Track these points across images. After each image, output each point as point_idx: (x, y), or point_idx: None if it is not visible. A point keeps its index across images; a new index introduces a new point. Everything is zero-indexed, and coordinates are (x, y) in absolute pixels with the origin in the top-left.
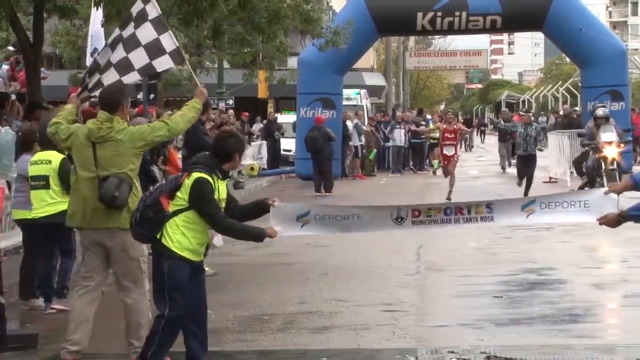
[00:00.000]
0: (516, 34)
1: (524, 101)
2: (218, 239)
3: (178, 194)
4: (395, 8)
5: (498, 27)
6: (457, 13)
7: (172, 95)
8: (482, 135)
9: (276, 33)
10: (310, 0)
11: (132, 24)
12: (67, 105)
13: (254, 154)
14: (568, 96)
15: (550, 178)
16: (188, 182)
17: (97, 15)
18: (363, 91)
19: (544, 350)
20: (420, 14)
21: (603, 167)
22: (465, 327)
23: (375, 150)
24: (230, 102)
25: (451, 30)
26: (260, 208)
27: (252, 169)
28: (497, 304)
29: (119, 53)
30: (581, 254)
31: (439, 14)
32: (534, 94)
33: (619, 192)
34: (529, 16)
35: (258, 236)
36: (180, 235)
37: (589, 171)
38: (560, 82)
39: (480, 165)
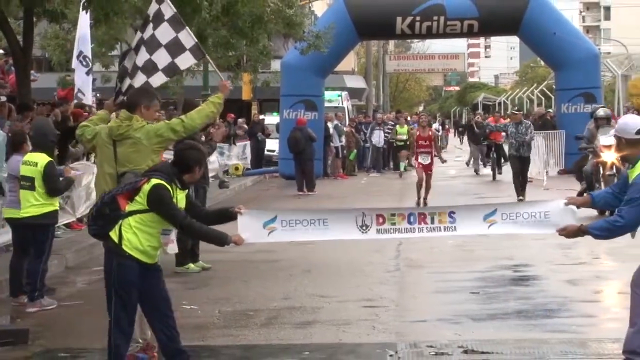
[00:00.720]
0: (492, 38)
1: (500, 103)
2: (172, 247)
3: (137, 197)
4: (376, 13)
5: (475, 32)
6: (435, 18)
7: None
8: (461, 137)
9: (259, 37)
10: (292, 4)
11: (151, 25)
12: (100, 110)
13: (239, 154)
14: (543, 98)
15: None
16: (146, 187)
17: (84, 19)
18: (344, 93)
19: (520, 344)
20: (399, 19)
21: (601, 172)
22: (443, 322)
23: (355, 150)
24: None
25: (430, 34)
26: (225, 215)
27: (236, 168)
28: (475, 299)
29: (143, 56)
30: (556, 251)
31: (418, 18)
32: (509, 96)
33: (578, 206)
34: (505, 21)
35: (220, 240)
36: (132, 234)
37: (588, 176)
38: (535, 85)
39: (457, 165)
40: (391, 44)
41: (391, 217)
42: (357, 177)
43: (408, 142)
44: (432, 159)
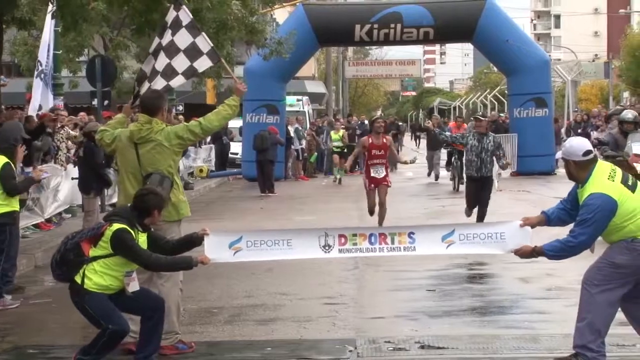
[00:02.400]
0: (447, 45)
1: (455, 107)
2: (134, 285)
3: (101, 242)
4: (335, 21)
5: (431, 39)
6: (392, 25)
7: (125, 102)
8: (417, 140)
9: (223, 43)
10: (255, 12)
11: (170, 31)
12: (118, 114)
13: (205, 157)
14: (496, 103)
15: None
16: (108, 232)
17: (48, 26)
18: (305, 98)
19: (474, 339)
20: (358, 26)
21: None
22: (400, 319)
23: (316, 153)
24: (180, 108)
25: (387, 41)
26: (191, 242)
27: (201, 170)
28: (431, 297)
29: (162, 60)
30: None
31: (376, 26)
32: (464, 101)
33: (532, 226)
34: (459, 28)
35: (187, 264)
36: (99, 277)
37: None
38: (488, 90)
39: (414, 167)
40: (350, 50)
41: (353, 237)
42: (318, 179)
43: (345, 150)
44: (387, 170)
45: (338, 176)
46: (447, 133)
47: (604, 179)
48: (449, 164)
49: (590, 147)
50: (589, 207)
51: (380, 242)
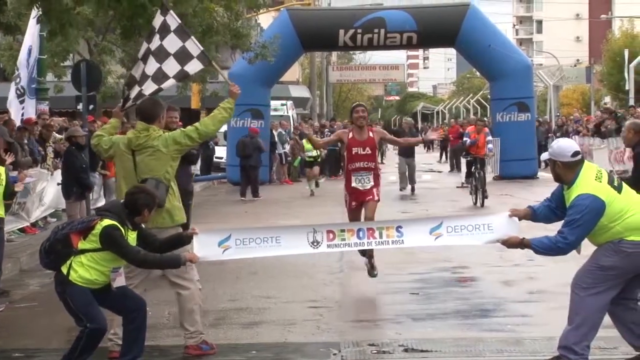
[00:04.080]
0: (430, 50)
1: (438, 112)
2: (120, 280)
3: (90, 236)
4: (319, 26)
5: (414, 44)
6: (376, 30)
7: (110, 106)
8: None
9: (209, 47)
10: (240, 17)
11: (157, 36)
12: (111, 119)
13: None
14: (478, 107)
15: (462, 183)
16: (98, 227)
17: (35, 28)
18: (289, 102)
19: (458, 342)
20: (342, 31)
21: None
22: (384, 322)
23: (299, 157)
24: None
25: (371, 46)
26: (180, 240)
27: None
28: (415, 300)
29: (152, 65)
30: (491, 254)
31: (359, 31)
32: (447, 106)
33: (520, 218)
34: (442, 33)
35: (175, 263)
36: (84, 271)
37: None
38: (471, 95)
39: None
40: (334, 55)
41: (341, 233)
42: (302, 182)
43: (319, 159)
44: (376, 179)
45: (310, 188)
46: (466, 139)
47: (592, 180)
48: (469, 175)
49: (578, 147)
50: (577, 207)
51: (369, 237)
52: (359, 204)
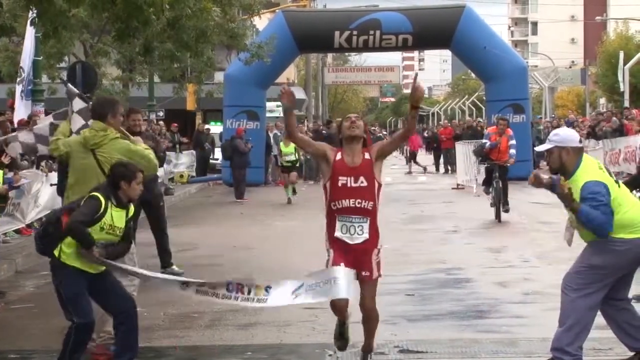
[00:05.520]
0: (426, 52)
1: (433, 113)
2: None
3: None
4: (314, 27)
5: (409, 45)
6: (371, 32)
7: None
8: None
9: (203, 50)
10: (235, 19)
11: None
12: (63, 122)
13: (188, 163)
14: (474, 109)
15: (458, 185)
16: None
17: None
18: None
19: (453, 344)
20: (337, 33)
21: None
22: (380, 323)
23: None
24: (161, 114)
25: (366, 47)
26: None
27: (181, 176)
28: (410, 301)
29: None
30: (486, 255)
31: (355, 32)
32: (442, 107)
33: (541, 185)
34: (437, 35)
35: (86, 243)
36: (74, 248)
37: None
38: (466, 96)
39: (392, 172)
40: (329, 56)
41: (212, 288)
42: (298, 184)
43: (298, 164)
44: (373, 230)
45: (288, 196)
46: (485, 141)
47: (596, 169)
48: (487, 183)
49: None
50: (597, 195)
51: (237, 292)
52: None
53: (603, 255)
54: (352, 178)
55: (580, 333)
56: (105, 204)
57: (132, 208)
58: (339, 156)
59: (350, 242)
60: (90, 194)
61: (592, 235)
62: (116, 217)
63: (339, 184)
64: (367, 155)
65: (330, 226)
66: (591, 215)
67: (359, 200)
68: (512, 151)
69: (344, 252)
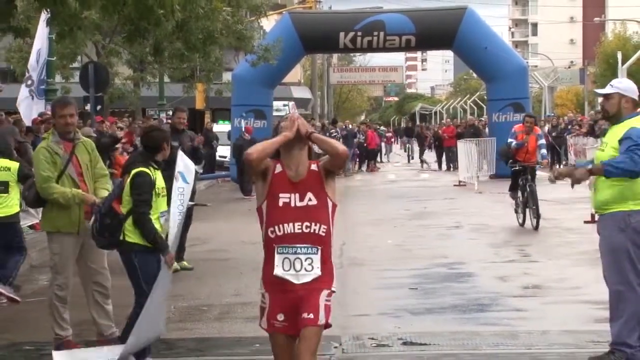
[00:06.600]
0: (428, 52)
1: (436, 112)
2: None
3: (124, 196)
4: (320, 28)
5: (412, 46)
6: (375, 33)
7: (117, 107)
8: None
9: (210, 52)
10: (242, 20)
11: None
12: None
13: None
14: (475, 108)
15: (460, 182)
16: (128, 181)
17: (41, 33)
18: (291, 103)
19: (455, 336)
20: (342, 34)
21: None
22: (384, 316)
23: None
24: (171, 112)
25: (370, 48)
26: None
27: None
28: (413, 295)
29: None
30: (487, 250)
31: (359, 34)
32: (444, 106)
33: (561, 176)
34: (440, 36)
35: (163, 247)
36: (136, 228)
37: None
38: (468, 95)
39: (397, 170)
40: (335, 57)
41: None
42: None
43: None
44: (327, 264)
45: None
46: (511, 140)
47: None
48: (513, 187)
49: None
50: (632, 135)
51: None
52: (289, 325)
53: (621, 234)
54: (297, 195)
55: (636, 325)
56: (151, 172)
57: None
58: (278, 168)
59: (296, 282)
60: (135, 171)
61: (609, 195)
62: (159, 179)
63: (280, 203)
64: (314, 166)
65: (268, 263)
66: (619, 164)
67: (307, 224)
68: (543, 151)
69: (283, 299)
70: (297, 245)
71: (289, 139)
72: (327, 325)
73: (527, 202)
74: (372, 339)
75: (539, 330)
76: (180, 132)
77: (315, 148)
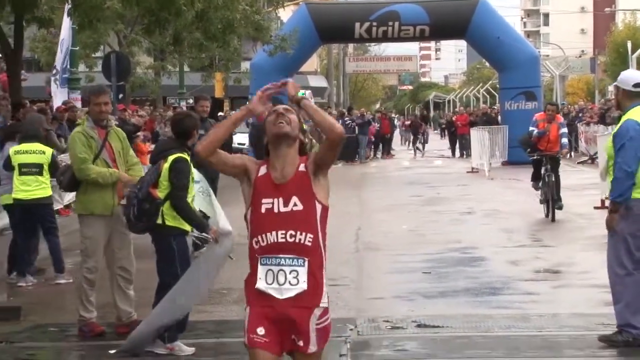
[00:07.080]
0: (442, 42)
1: (449, 101)
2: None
3: (161, 180)
4: (336, 19)
5: (426, 36)
6: (390, 23)
7: (138, 95)
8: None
9: (229, 41)
10: (260, 11)
11: None
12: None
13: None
14: (488, 96)
15: (472, 168)
16: (166, 165)
17: (66, 23)
18: (308, 92)
19: (468, 319)
20: (358, 24)
21: None
22: (398, 299)
23: (318, 144)
24: (190, 101)
25: (385, 38)
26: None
27: None
28: (427, 279)
29: None
30: (500, 235)
31: (375, 24)
32: (458, 95)
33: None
34: (453, 26)
35: (202, 226)
36: (174, 212)
37: None
38: (481, 84)
39: (409, 157)
40: (350, 47)
41: None
42: None
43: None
44: (316, 277)
45: None
46: (533, 129)
47: None
48: (536, 177)
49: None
50: (620, 131)
51: None
52: (271, 342)
53: (622, 221)
54: (281, 200)
55: (639, 306)
56: (189, 158)
57: None
58: (263, 170)
59: (279, 297)
60: (174, 157)
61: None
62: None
63: (262, 210)
64: (302, 167)
65: (252, 274)
66: (615, 189)
67: (292, 232)
68: (564, 140)
69: (266, 315)
70: (281, 256)
71: (250, 112)
72: (319, 351)
73: (548, 193)
74: (387, 321)
75: (549, 313)
76: (204, 120)
77: (315, 149)
